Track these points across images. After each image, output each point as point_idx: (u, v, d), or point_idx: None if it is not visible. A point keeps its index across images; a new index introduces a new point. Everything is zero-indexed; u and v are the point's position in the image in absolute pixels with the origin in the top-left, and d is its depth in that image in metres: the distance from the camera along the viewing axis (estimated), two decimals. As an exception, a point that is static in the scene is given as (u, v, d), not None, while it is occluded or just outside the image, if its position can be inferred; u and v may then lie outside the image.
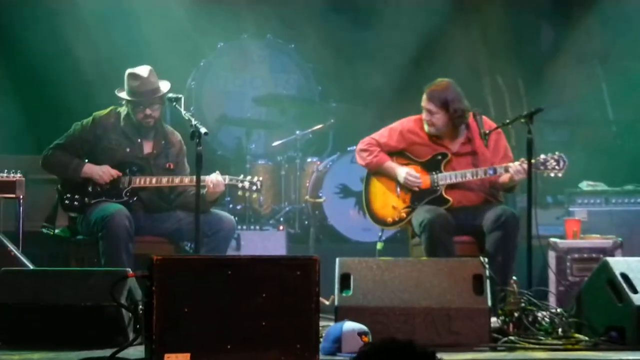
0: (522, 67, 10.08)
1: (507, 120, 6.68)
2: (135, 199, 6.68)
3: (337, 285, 5.42)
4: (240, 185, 6.73)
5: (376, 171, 6.94)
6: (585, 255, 7.27)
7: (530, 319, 5.46)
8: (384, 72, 9.89)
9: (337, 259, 5.52)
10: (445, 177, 6.74)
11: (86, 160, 6.71)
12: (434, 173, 6.78)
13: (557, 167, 6.56)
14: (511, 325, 5.45)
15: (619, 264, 5.48)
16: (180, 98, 6.56)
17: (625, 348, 5.17)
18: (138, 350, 4.80)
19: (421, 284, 5.40)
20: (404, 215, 6.82)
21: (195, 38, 9.83)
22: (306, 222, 9.05)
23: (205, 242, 6.52)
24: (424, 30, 9.85)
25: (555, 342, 5.31)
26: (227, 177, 6.70)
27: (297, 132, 9.29)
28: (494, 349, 5.21)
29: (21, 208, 6.96)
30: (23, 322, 5.19)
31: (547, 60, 10.21)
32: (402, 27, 9.82)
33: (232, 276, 4.64)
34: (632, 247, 7.39)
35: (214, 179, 6.58)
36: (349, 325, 4.91)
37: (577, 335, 5.43)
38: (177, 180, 6.67)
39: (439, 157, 6.79)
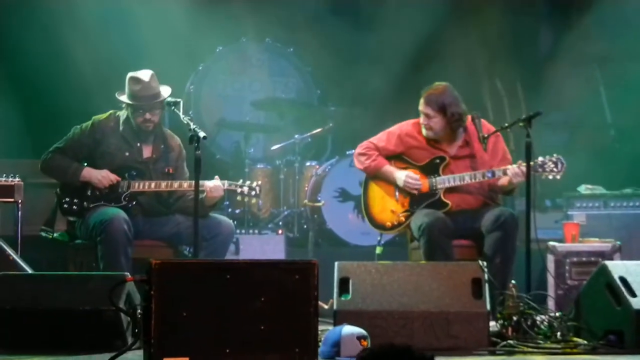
0: (521, 71, 10.08)
1: (506, 124, 6.69)
2: (134, 203, 6.68)
3: (336, 289, 5.42)
4: (239, 190, 6.73)
5: (374, 175, 6.94)
6: (584, 259, 7.27)
7: (529, 323, 5.46)
8: (382, 76, 9.89)
9: (336, 263, 5.52)
10: (444, 181, 6.74)
11: (85, 164, 6.72)
12: (432, 177, 6.78)
13: (555, 169, 6.56)
14: (510, 329, 5.45)
15: (617, 267, 5.48)
16: (179, 102, 6.56)
17: (624, 352, 5.18)
18: (137, 355, 4.80)
19: (420, 288, 5.40)
20: (402, 219, 6.82)
21: (193, 42, 9.83)
22: (305, 226, 9.04)
23: (204, 246, 6.53)
24: (422, 34, 9.85)
25: (554, 345, 5.32)
26: (226, 182, 6.70)
27: (296, 136, 9.29)
28: (492, 353, 5.21)
29: (19, 212, 6.96)
30: (22, 326, 5.18)
31: (546, 63, 10.21)
32: (401, 31, 9.82)
33: (230, 280, 4.64)
34: (631, 251, 7.40)
35: (213, 185, 6.58)
36: (348, 329, 4.91)
37: (575, 339, 5.44)
38: (176, 184, 6.66)
39: (437, 161, 6.79)
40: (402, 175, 6.79)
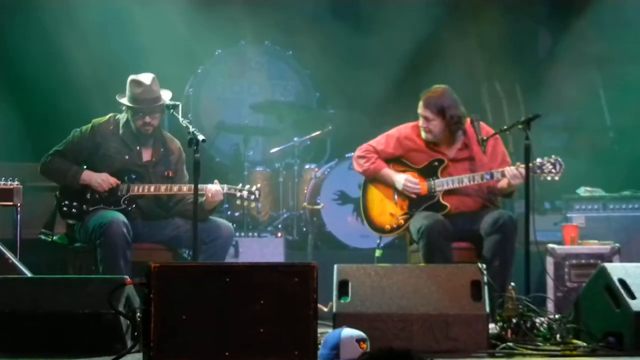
0: (520, 73, 10.09)
1: (505, 127, 6.68)
2: (133, 206, 6.68)
3: (335, 292, 5.42)
4: (238, 194, 6.73)
5: (373, 178, 6.94)
6: (583, 261, 7.27)
7: (528, 325, 5.46)
8: (381, 79, 9.90)
9: (335, 266, 5.53)
10: (442, 183, 6.74)
11: (85, 167, 6.72)
12: (431, 179, 6.78)
13: (553, 170, 6.56)
14: (509, 331, 5.46)
15: (616, 269, 5.48)
16: (178, 105, 6.57)
17: (623, 354, 5.18)
18: (136, 358, 4.82)
19: (419, 291, 5.40)
20: (401, 222, 6.81)
21: (192, 45, 9.83)
22: (304, 229, 9.04)
23: (204, 249, 6.53)
24: (421, 37, 9.87)
25: (553, 348, 5.32)
26: (225, 186, 6.70)
27: (295, 138, 9.29)
28: (492, 355, 5.22)
29: (19, 216, 6.95)
30: (21, 330, 5.17)
31: (545, 66, 10.22)
32: (400, 34, 9.83)
33: (230, 283, 4.64)
34: (630, 253, 7.41)
35: (213, 189, 6.58)
36: (347, 332, 4.91)
37: (575, 341, 5.44)
38: (175, 188, 6.66)
39: (436, 164, 6.79)
40: (401, 179, 6.79)
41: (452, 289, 5.40)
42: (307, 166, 9.37)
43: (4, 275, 5.63)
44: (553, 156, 6.59)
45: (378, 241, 7.25)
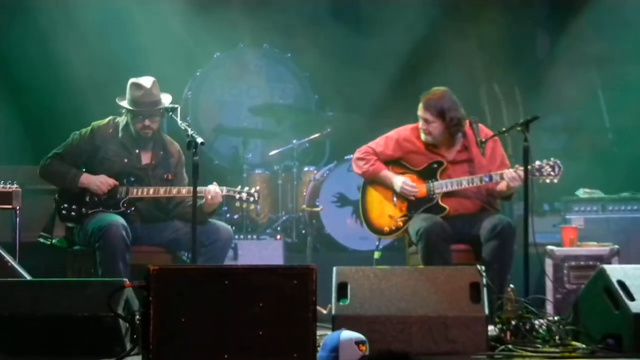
0: (519, 75, 10.08)
1: (504, 128, 6.69)
2: (132, 209, 6.68)
3: (334, 294, 5.43)
4: (237, 196, 6.74)
5: (372, 180, 6.95)
6: (582, 263, 7.28)
7: (527, 327, 5.47)
8: (380, 81, 9.90)
9: (334, 268, 5.53)
10: (441, 185, 6.75)
11: (84, 170, 6.72)
12: (430, 181, 6.78)
13: (552, 173, 6.56)
14: (508, 333, 5.46)
15: (615, 271, 5.48)
16: (177, 108, 6.57)
17: (622, 355, 5.18)
18: (135, 361, 4.82)
19: (418, 293, 5.41)
20: (400, 224, 6.82)
21: (191, 48, 9.84)
22: (303, 231, 9.04)
23: (203, 252, 6.53)
24: (420, 39, 9.88)
25: (552, 350, 5.32)
26: (224, 188, 6.70)
27: (294, 141, 9.30)
28: (491, 357, 5.22)
29: (18, 219, 6.95)
30: (20, 333, 5.18)
31: (544, 67, 10.22)
32: (399, 36, 9.84)
33: (229, 286, 4.65)
34: (629, 255, 7.41)
35: (212, 191, 6.58)
36: (347, 334, 4.91)
37: (574, 342, 5.45)
38: (174, 190, 6.66)
39: (435, 166, 6.79)
40: (399, 181, 6.79)
41: (451, 291, 5.41)
42: (306, 168, 9.37)
43: (4, 279, 5.62)
44: (552, 159, 6.59)
45: (377, 243, 7.25)
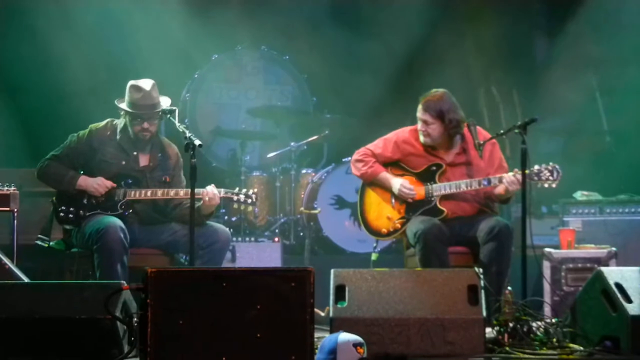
0: (517, 78, 10.10)
1: (502, 131, 6.69)
2: (130, 211, 6.68)
3: (332, 297, 5.43)
4: (235, 198, 6.73)
5: (371, 182, 6.95)
6: (580, 265, 7.28)
7: (525, 329, 5.47)
8: (378, 84, 9.91)
9: (332, 270, 5.53)
10: (440, 188, 6.75)
11: (81, 172, 6.71)
12: (428, 184, 6.78)
13: (551, 177, 6.56)
14: (506, 335, 5.46)
15: (613, 273, 5.49)
16: (175, 110, 6.57)
17: (619, 358, 5.19)
18: (133, 363, 4.81)
19: (416, 295, 5.41)
20: (398, 226, 6.82)
21: (189, 50, 9.84)
22: (301, 234, 9.04)
23: (201, 254, 6.52)
24: (418, 42, 9.89)
25: (550, 352, 5.33)
26: (222, 190, 6.70)
27: (292, 143, 9.30)
28: (488, 359, 5.23)
29: (15, 221, 6.94)
30: (18, 335, 5.17)
31: (542, 70, 10.23)
32: (397, 38, 9.85)
33: (227, 288, 4.65)
34: (627, 257, 7.41)
35: (210, 193, 6.57)
36: (344, 336, 4.91)
37: (571, 345, 5.45)
38: (172, 192, 6.66)
39: (434, 168, 6.79)
40: (397, 183, 6.80)
41: (448, 293, 5.41)
42: (304, 171, 9.37)
43: (1, 281, 5.61)
44: (551, 163, 6.59)
45: (374, 245, 7.25)
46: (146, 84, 6.69)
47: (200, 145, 6.16)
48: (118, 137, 6.77)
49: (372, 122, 9.45)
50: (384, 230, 6.88)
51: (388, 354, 5.17)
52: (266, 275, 4.75)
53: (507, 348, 5.34)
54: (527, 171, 6.30)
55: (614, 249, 7.34)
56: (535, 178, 6.55)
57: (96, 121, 6.87)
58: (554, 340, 5.46)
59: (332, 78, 9.98)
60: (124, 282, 5.49)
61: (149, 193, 6.66)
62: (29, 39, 9.09)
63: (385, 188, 6.89)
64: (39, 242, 6.75)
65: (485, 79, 10.12)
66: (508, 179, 6.55)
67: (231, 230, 7.41)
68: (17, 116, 9.07)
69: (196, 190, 6.25)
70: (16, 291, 5.50)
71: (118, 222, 6.51)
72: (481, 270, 5.56)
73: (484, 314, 5.36)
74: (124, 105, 6.72)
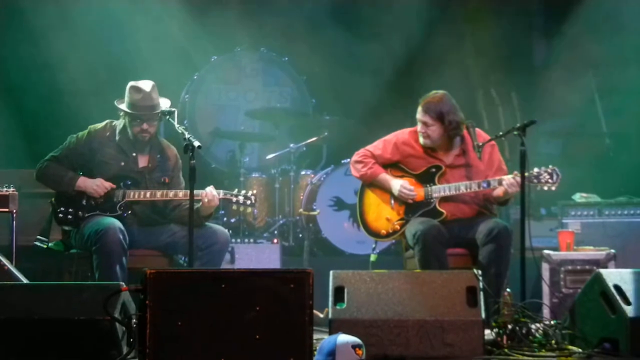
0: (516, 80, 10.10)
1: (501, 133, 6.69)
2: (129, 212, 6.68)
3: (331, 298, 5.43)
4: (234, 199, 6.73)
5: (370, 183, 6.95)
6: (579, 267, 7.28)
7: (523, 331, 5.47)
8: (377, 85, 9.92)
9: (331, 272, 5.54)
10: (439, 190, 6.75)
11: (80, 173, 6.71)
12: (428, 186, 6.78)
13: (550, 180, 6.56)
14: (505, 337, 5.47)
15: (612, 275, 5.49)
16: (174, 111, 6.57)
17: (618, 360, 5.19)
18: (132, 364, 4.81)
19: (415, 297, 5.41)
20: (397, 227, 6.82)
21: (188, 51, 9.85)
22: (300, 235, 9.04)
23: (200, 255, 6.52)
24: (417, 43, 9.89)
25: (549, 354, 5.34)
26: (221, 191, 6.70)
27: (291, 145, 9.30)
28: (487, 361, 5.23)
29: (14, 222, 6.94)
30: (16, 336, 5.17)
31: (541, 72, 10.24)
32: (396, 40, 9.85)
33: (226, 289, 4.65)
34: (626, 259, 7.40)
35: (209, 194, 6.57)
36: (343, 338, 4.91)
37: (570, 347, 5.46)
38: (171, 194, 6.66)
39: (433, 170, 6.80)
40: (397, 184, 6.80)
41: (447, 295, 5.41)
42: (303, 172, 9.38)
43: (0, 282, 5.61)
44: (550, 166, 6.58)
45: (373, 246, 7.25)
46: (146, 85, 6.68)
47: (199, 147, 6.16)
48: (117, 138, 6.77)
49: (371, 124, 9.46)
50: (383, 231, 6.88)
51: (387, 355, 5.17)
52: (265, 276, 4.75)
53: (506, 350, 5.35)
54: (526, 174, 6.30)
55: (612, 251, 7.34)
56: (535, 181, 6.55)
57: (96, 122, 6.88)
58: (553, 342, 5.46)
59: (331, 79, 9.99)
60: (123, 283, 5.51)
61: (148, 194, 6.66)
62: (29, 39, 9.09)
63: (385, 189, 6.89)
64: (38, 243, 6.75)
65: (484, 80, 10.12)
66: (507, 181, 6.55)
67: (230, 231, 7.42)
68: (16, 116, 9.08)
69: (195, 191, 6.25)
70: (15, 292, 5.50)
71: (117, 223, 6.50)
72: (480, 272, 5.56)
73: (483, 315, 5.37)
74: (123, 106, 6.72)
